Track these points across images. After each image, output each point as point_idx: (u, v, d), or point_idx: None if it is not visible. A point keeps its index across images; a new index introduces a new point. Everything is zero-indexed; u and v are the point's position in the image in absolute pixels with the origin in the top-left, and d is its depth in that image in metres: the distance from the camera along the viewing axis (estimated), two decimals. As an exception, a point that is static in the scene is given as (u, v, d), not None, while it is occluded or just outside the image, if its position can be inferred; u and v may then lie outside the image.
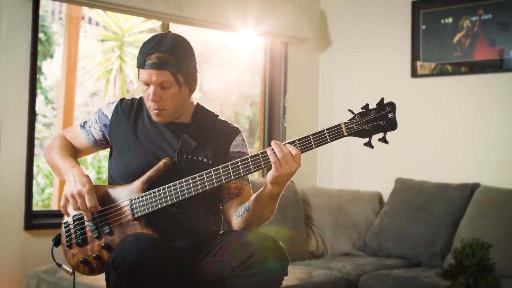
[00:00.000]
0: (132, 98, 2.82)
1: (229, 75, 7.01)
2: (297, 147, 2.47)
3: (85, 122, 2.87)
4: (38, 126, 7.40)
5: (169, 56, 2.55)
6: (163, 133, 2.71)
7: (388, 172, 5.21)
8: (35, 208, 4.20)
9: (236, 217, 2.67)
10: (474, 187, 4.64)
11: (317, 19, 5.67)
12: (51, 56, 7.69)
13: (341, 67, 5.66)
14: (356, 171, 5.53)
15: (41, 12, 8.12)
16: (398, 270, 4.28)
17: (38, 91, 7.60)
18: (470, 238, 2.99)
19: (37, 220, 4.14)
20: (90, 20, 7.57)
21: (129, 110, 2.77)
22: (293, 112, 5.53)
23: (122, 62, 7.17)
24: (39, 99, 7.57)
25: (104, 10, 5.03)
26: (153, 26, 6.97)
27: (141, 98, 2.80)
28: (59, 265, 2.77)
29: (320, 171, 5.73)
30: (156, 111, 2.63)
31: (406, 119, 5.22)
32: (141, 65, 2.59)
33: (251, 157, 2.51)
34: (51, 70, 7.38)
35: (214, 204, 2.75)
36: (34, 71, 4.14)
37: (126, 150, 2.72)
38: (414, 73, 5.16)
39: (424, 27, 5.10)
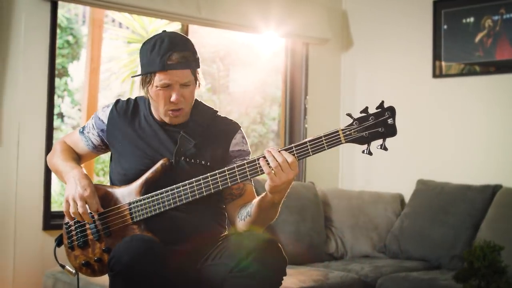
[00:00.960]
0: (128, 99, 2.78)
1: (253, 76, 6.99)
2: (293, 154, 2.41)
3: (83, 128, 2.85)
4: (64, 127, 7.46)
5: (189, 53, 2.53)
6: (161, 133, 2.67)
7: (410, 174, 5.17)
8: (53, 208, 4.23)
9: (239, 220, 2.64)
10: (495, 188, 4.57)
11: (338, 20, 5.65)
12: (78, 58, 7.76)
13: (362, 67, 5.62)
14: (378, 173, 5.48)
15: (70, 15, 8.21)
16: (417, 272, 4.23)
17: (65, 92, 7.70)
18: (482, 240, 2.94)
19: (55, 221, 4.17)
20: (118, 23, 7.62)
21: (124, 112, 2.74)
22: (314, 113, 5.51)
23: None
24: (66, 101, 7.64)
25: (122, 12, 5.05)
26: (178, 28, 6.99)
27: (136, 98, 2.77)
28: (63, 266, 2.79)
29: (342, 172, 5.70)
30: (177, 113, 2.59)
31: (428, 120, 5.19)
32: (162, 67, 2.49)
33: (248, 162, 2.46)
34: (78, 72, 7.44)
35: (218, 204, 2.72)
36: (53, 73, 4.18)
37: (123, 154, 2.70)
38: (436, 73, 5.10)
39: (445, 27, 5.04)
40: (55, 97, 7.78)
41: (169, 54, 2.50)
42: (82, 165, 2.81)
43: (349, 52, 5.70)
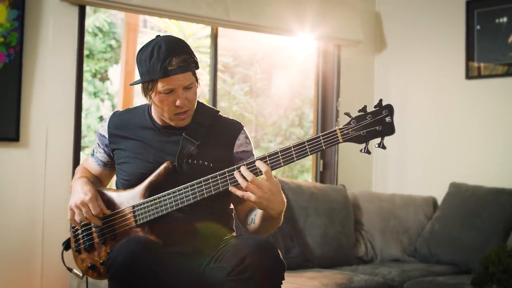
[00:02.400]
0: (127, 109, 2.80)
1: (291, 78, 6.98)
2: (267, 164, 2.40)
3: (93, 150, 2.88)
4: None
5: (187, 56, 2.52)
6: (163, 137, 2.67)
7: (443, 176, 5.09)
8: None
9: (248, 224, 2.65)
10: (528, 192, 4.47)
11: (371, 21, 5.61)
12: (118, 62, 7.88)
13: (396, 69, 5.56)
14: (411, 176, 5.42)
15: (112, 19, 8.32)
16: (444, 277, 4.16)
17: (105, 96, 7.80)
18: (498, 245, 2.88)
19: (82, 222, 4.22)
20: (156, 28, 7.70)
21: (123, 121, 2.75)
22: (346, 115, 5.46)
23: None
24: (106, 104, 7.75)
25: (151, 15, 5.10)
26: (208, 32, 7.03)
27: (137, 107, 2.78)
28: (70, 270, 2.81)
29: (375, 175, 5.65)
30: (183, 116, 2.59)
31: (461, 121, 5.11)
32: (164, 74, 2.48)
33: (248, 163, 2.45)
34: (117, 76, 7.54)
35: (223, 206, 2.71)
36: (80, 76, 4.24)
37: (126, 161, 2.71)
38: (469, 75, 5.02)
39: (478, 27, 4.95)
40: (98, 100, 7.91)
41: (168, 60, 2.48)
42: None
43: (382, 54, 5.65)
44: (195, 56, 2.58)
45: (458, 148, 5.11)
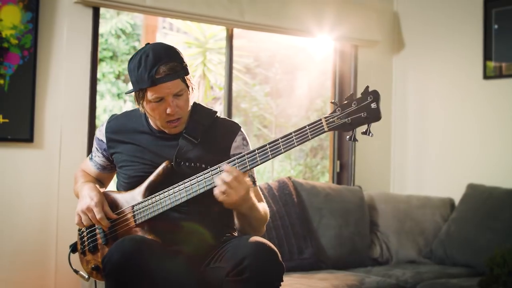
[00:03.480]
0: (124, 113, 2.82)
1: (312, 79, 6.97)
2: (236, 168, 2.43)
3: (91, 154, 2.91)
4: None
5: (175, 63, 2.51)
6: (161, 139, 2.69)
7: (461, 177, 5.04)
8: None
9: (235, 225, 2.70)
10: (546, 194, 4.41)
11: (389, 21, 5.57)
12: (140, 64, 7.98)
13: (414, 69, 5.52)
14: (429, 177, 5.38)
15: (135, 21, 8.36)
16: (458, 279, 4.11)
17: (127, 97, 7.85)
18: (504, 247, 2.84)
19: (96, 222, 4.24)
20: (176, 29, 7.73)
21: (120, 124, 2.78)
22: (364, 116, 5.43)
23: (206, 69, 7.27)
24: (128, 106, 7.80)
25: (165, 17, 5.13)
26: (236, 32, 7.03)
27: (133, 110, 2.79)
28: (76, 272, 2.85)
29: (394, 176, 5.61)
30: (175, 123, 2.61)
31: (479, 122, 5.05)
32: (151, 83, 2.50)
33: (237, 158, 2.47)
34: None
35: (222, 205, 2.66)
36: (94, 77, 4.26)
37: (125, 164, 2.73)
38: (486, 74, 4.96)
39: (496, 26, 4.89)
40: (121, 101, 7.94)
41: (156, 68, 2.49)
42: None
43: (400, 54, 5.61)
44: (184, 62, 2.57)
45: (476, 148, 5.05)
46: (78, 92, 4.21)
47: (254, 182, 2.72)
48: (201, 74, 7.35)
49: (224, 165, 2.46)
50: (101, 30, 8.48)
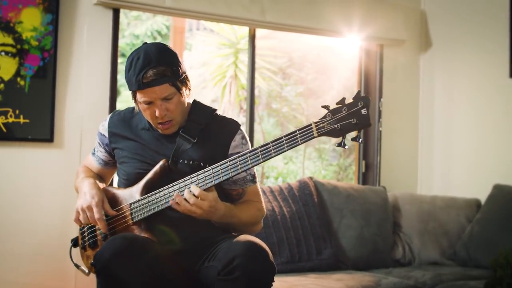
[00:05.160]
0: (127, 108, 2.84)
1: (343, 79, 6.94)
2: (198, 186, 2.47)
3: (94, 149, 2.94)
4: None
5: (163, 67, 2.51)
6: (160, 137, 2.70)
7: (487, 178, 4.95)
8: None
9: None
10: None
11: (416, 20, 5.50)
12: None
13: (441, 68, 5.45)
14: (456, 178, 5.30)
15: (172, 23, 8.43)
16: (478, 281, 4.03)
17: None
18: (508, 248, 2.78)
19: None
20: (210, 29, 7.78)
21: (123, 120, 2.79)
22: (389, 115, 5.39)
23: (238, 69, 7.29)
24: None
25: (184, 18, 5.15)
26: (267, 33, 7.03)
27: (134, 107, 2.80)
28: (77, 266, 2.88)
29: (421, 177, 5.54)
30: (166, 125, 2.62)
31: (506, 121, 4.96)
32: (138, 87, 2.52)
33: (229, 160, 2.47)
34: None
35: None
36: (114, 78, 4.31)
37: (125, 160, 2.75)
38: (513, 74, 4.88)
39: (523, 25, 4.80)
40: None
41: (143, 73, 2.50)
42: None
43: (428, 53, 5.53)
44: (175, 66, 2.56)
45: (504, 148, 4.96)
46: (98, 93, 4.26)
47: (252, 179, 2.72)
48: (232, 75, 7.38)
49: (191, 186, 2.50)
50: (137, 31, 8.60)
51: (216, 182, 2.48)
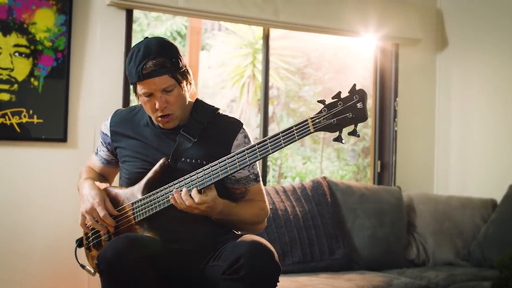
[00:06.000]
0: (130, 106, 2.85)
1: (363, 78, 6.92)
2: (199, 193, 2.49)
3: (97, 148, 2.95)
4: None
5: (162, 59, 2.53)
6: (162, 135, 2.70)
7: (504, 178, 4.90)
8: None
9: None
10: None
11: (432, 19, 5.46)
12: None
13: (458, 68, 5.40)
14: (473, 177, 5.25)
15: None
16: (490, 282, 4.00)
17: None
18: (514, 248, 2.75)
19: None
20: (225, 30, 7.80)
21: (124, 119, 2.81)
22: (405, 115, 5.36)
23: (255, 69, 7.31)
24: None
25: (198, 18, 5.17)
26: (284, 33, 7.03)
27: (138, 105, 2.81)
28: (83, 266, 2.89)
29: (437, 177, 5.50)
30: (166, 119, 2.62)
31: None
32: (138, 78, 2.55)
33: (227, 157, 2.46)
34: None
35: None
36: (127, 79, 4.32)
37: (127, 159, 2.76)
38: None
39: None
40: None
41: (143, 64, 2.52)
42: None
43: (444, 53, 5.49)
44: (175, 58, 2.57)
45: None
46: (111, 93, 4.29)
47: (255, 179, 2.72)
48: (250, 75, 7.39)
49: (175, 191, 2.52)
50: (157, 32, 8.64)
51: (216, 180, 2.47)
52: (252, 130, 6.94)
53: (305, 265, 4.20)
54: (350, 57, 6.77)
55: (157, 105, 2.57)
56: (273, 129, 4.94)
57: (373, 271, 4.33)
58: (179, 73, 2.58)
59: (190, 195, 2.47)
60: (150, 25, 8.72)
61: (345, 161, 7.75)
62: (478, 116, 5.23)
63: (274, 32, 7.31)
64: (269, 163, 7.76)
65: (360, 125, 2.36)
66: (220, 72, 7.77)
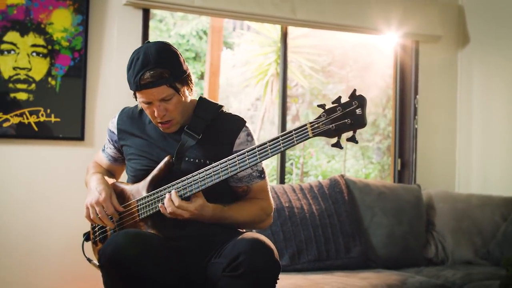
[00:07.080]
0: (136, 105, 2.86)
1: (388, 76, 6.87)
2: (178, 197, 2.52)
3: (104, 145, 2.97)
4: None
5: (160, 70, 2.53)
6: (167, 135, 2.72)
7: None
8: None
9: None
10: None
11: (454, 16, 5.41)
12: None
13: (480, 65, 5.34)
14: (494, 175, 5.19)
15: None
16: (506, 281, 3.96)
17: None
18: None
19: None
20: (248, 28, 7.81)
21: (131, 117, 2.83)
22: (426, 113, 5.32)
23: (279, 67, 7.27)
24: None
25: (214, 16, 5.17)
26: (307, 31, 7.03)
27: None
28: (89, 260, 2.93)
29: (459, 175, 5.45)
30: (166, 125, 2.64)
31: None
32: (136, 88, 2.57)
33: (228, 158, 2.47)
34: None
35: (224, 201, 2.68)
36: (144, 77, 4.36)
37: (133, 156, 2.78)
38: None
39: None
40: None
41: (141, 74, 2.54)
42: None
43: (465, 50, 5.43)
44: (174, 67, 2.58)
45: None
46: (128, 92, 4.25)
47: (259, 175, 2.72)
48: (273, 73, 7.39)
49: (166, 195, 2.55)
50: (182, 31, 8.69)
51: (217, 181, 2.49)
52: (277, 128, 6.93)
53: (320, 263, 4.19)
54: (372, 55, 6.73)
55: (155, 113, 2.60)
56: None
57: (390, 270, 4.30)
58: (178, 82, 2.59)
59: (171, 199, 2.51)
60: (176, 24, 8.77)
61: (370, 159, 7.71)
62: (500, 113, 5.17)
63: (296, 31, 7.32)
64: (291, 161, 7.75)
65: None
66: (244, 70, 7.78)
